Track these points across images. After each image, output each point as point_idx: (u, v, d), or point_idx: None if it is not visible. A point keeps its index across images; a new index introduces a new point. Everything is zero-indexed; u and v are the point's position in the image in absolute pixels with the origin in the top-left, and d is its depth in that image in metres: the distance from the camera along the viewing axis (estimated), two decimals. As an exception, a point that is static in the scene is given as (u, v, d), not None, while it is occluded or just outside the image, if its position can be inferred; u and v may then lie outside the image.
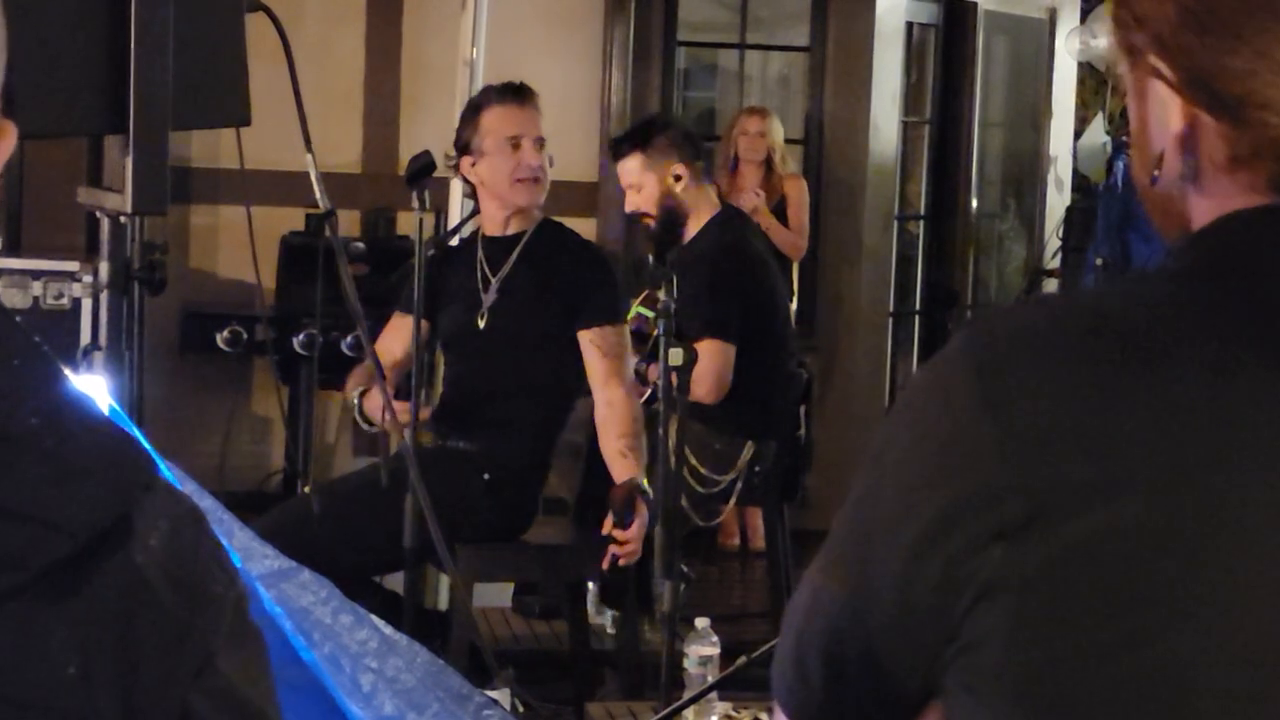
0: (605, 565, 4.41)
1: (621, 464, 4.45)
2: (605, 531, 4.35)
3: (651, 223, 5.25)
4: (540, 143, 4.59)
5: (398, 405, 4.19)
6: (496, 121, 4.58)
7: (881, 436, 1.20)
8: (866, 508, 1.19)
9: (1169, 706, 1.09)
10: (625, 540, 4.35)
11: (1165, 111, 1.17)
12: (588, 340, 4.54)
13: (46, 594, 0.99)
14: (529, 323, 4.58)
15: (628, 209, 5.37)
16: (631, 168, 5.27)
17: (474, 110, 4.66)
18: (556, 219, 4.79)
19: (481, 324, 4.59)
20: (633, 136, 5.38)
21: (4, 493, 0.98)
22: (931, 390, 1.17)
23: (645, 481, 4.39)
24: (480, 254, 4.66)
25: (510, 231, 4.64)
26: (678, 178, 5.23)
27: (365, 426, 4.61)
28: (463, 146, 4.62)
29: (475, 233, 4.80)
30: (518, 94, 4.64)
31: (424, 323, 4.47)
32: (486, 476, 4.50)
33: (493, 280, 4.61)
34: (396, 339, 4.63)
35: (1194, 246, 1.17)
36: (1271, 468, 1.09)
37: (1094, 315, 1.16)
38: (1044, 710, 1.11)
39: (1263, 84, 1.13)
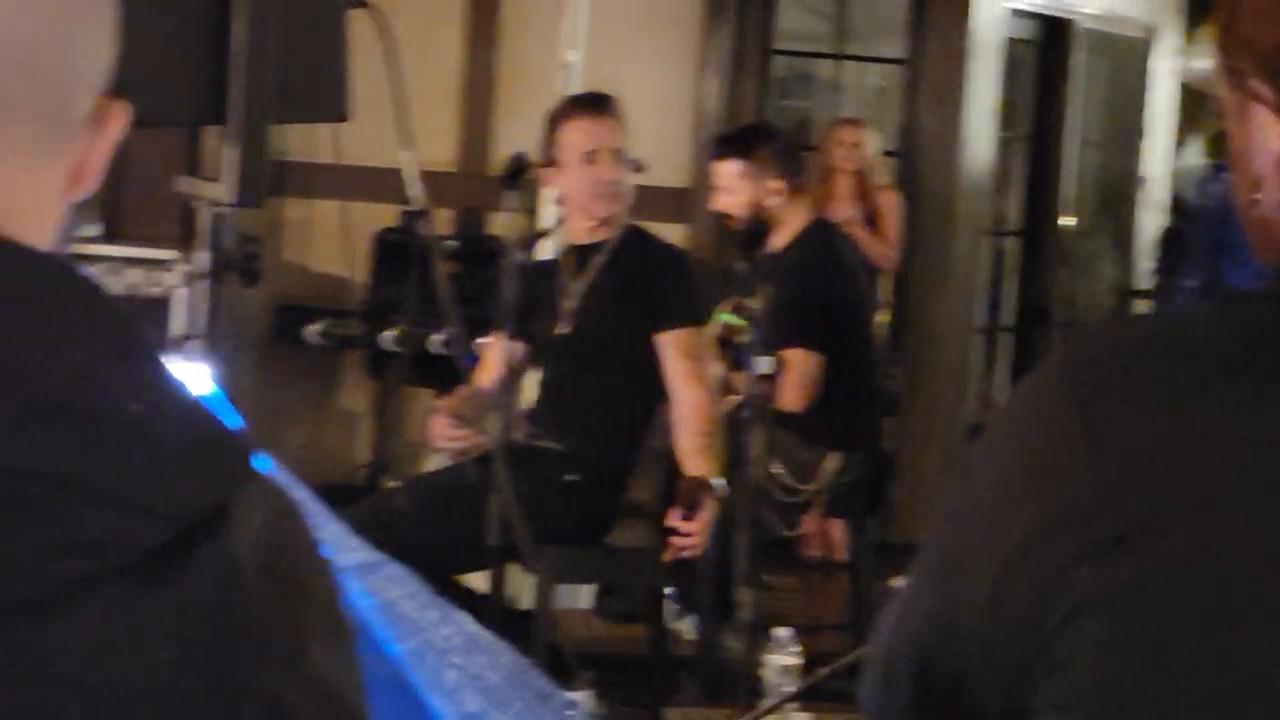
0: (668, 557, 4.41)
1: (693, 461, 4.46)
2: (669, 524, 4.35)
3: (735, 224, 5.26)
4: (619, 154, 4.59)
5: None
6: (573, 135, 4.59)
7: (975, 453, 1.20)
8: (958, 524, 1.19)
9: None
10: (689, 532, 4.35)
11: (1266, 135, 1.17)
12: (666, 342, 4.54)
13: (142, 580, 1.00)
14: (611, 328, 4.60)
15: (715, 206, 5.37)
16: (729, 171, 5.26)
17: (554, 122, 4.68)
18: (644, 224, 4.80)
19: (565, 330, 4.61)
20: (737, 142, 5.37)
21: (102, 478, 0.99)
22: (1025, 408, 1.17)
23: (720, 482, 4.39)
24: (565, 261, 4.67)
25: (594, 239, 4.66)
26: (775, 193, 5.22)
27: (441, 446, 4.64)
28: (545, 157, 4.64)
29: (560, 241, 4.84)
30: (595, 106, 4.65)
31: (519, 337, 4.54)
32: (571, 479, 4.51)
33: (574, 288, 4.63)
34: (498, 358, 4.65)
35: None
36: None
37: (1189, 336, 1.15)
38: None
39: None
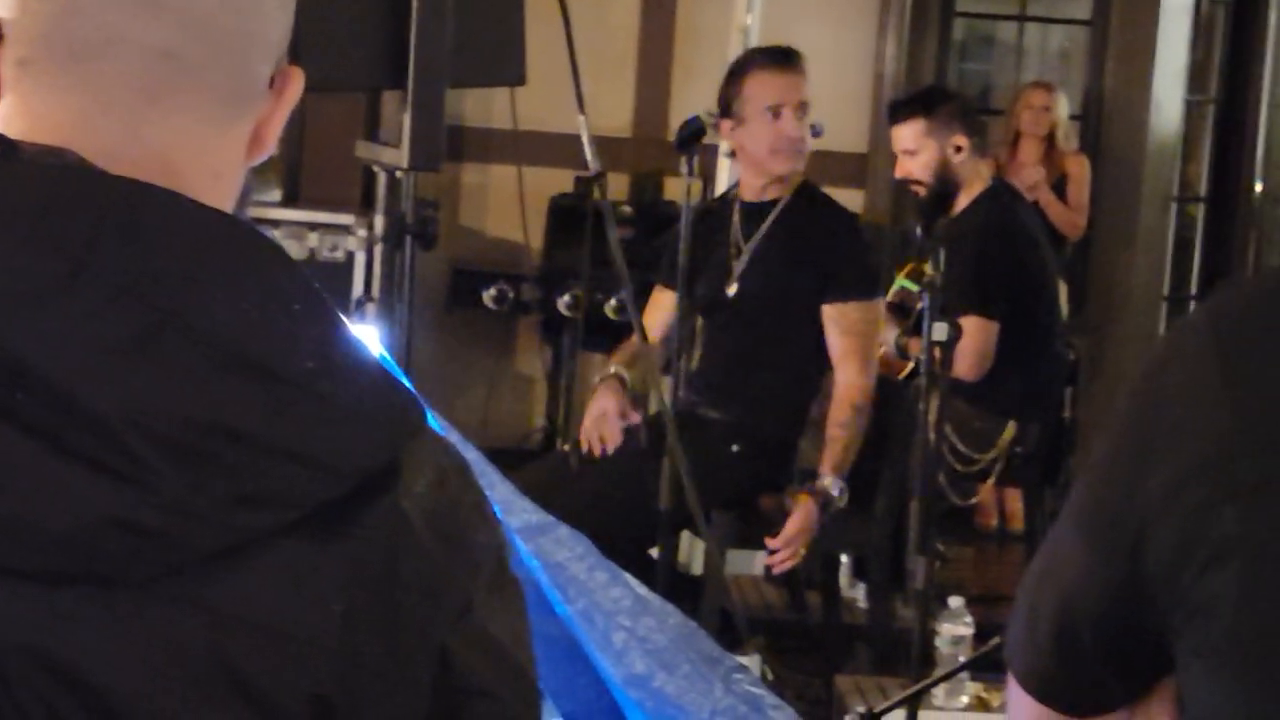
0: (768, 564, 4.39)
1: (826, 452, 4.40)
2: (768, 543, 4.36)
3: (922, 190, 5.17)
4: (804, 109, 4.50)
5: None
6: (758, 88, 4.48)
7: (1122, 402, 1.20)
8: (1103, 471, 1.20)
9: None
10: (777, 548, 4.33)
11: None
12: (830, 315, 4.46)
13: (316, 533, 1.02)
14: (778, 292, 4.52)
15: (898, 174, 5.29)
16: (912, 133, 5.18)
17: (737, 74, 4.57)
18: (819, 186, 4.71)
19: (732, 292, 4.54)
20: (917, 101, 5.30)
21: (279, 433, 1.01)
22: (1170, 356, 1.18)
23: (838, 483, 4.35)
24: (736, 219, 4.61)
25: (767, 198, 4.57)
26: (958, 149, 5.14)
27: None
28: (724, 109, 4.54)
29: (732, 196, 4.74)
30: (782, 58, 4.54)
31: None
32: (735, 448, 4.47)
33: (744, 248, 4.55)
34: (658, 313, 4.60)
35: None
36: None
37: None
38: (1273, 676, 1.09)
39: None
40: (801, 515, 4.33)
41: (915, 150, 5.17)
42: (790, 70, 4.51)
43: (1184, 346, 1.17)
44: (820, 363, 4.54)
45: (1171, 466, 1.13)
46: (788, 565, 4.41)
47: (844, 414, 4.41)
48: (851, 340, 4.45)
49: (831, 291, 4.46)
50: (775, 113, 4.45)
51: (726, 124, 4.52)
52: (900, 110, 5.29)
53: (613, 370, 4.54)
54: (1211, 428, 1.11)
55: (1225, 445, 1.11)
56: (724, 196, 4.87)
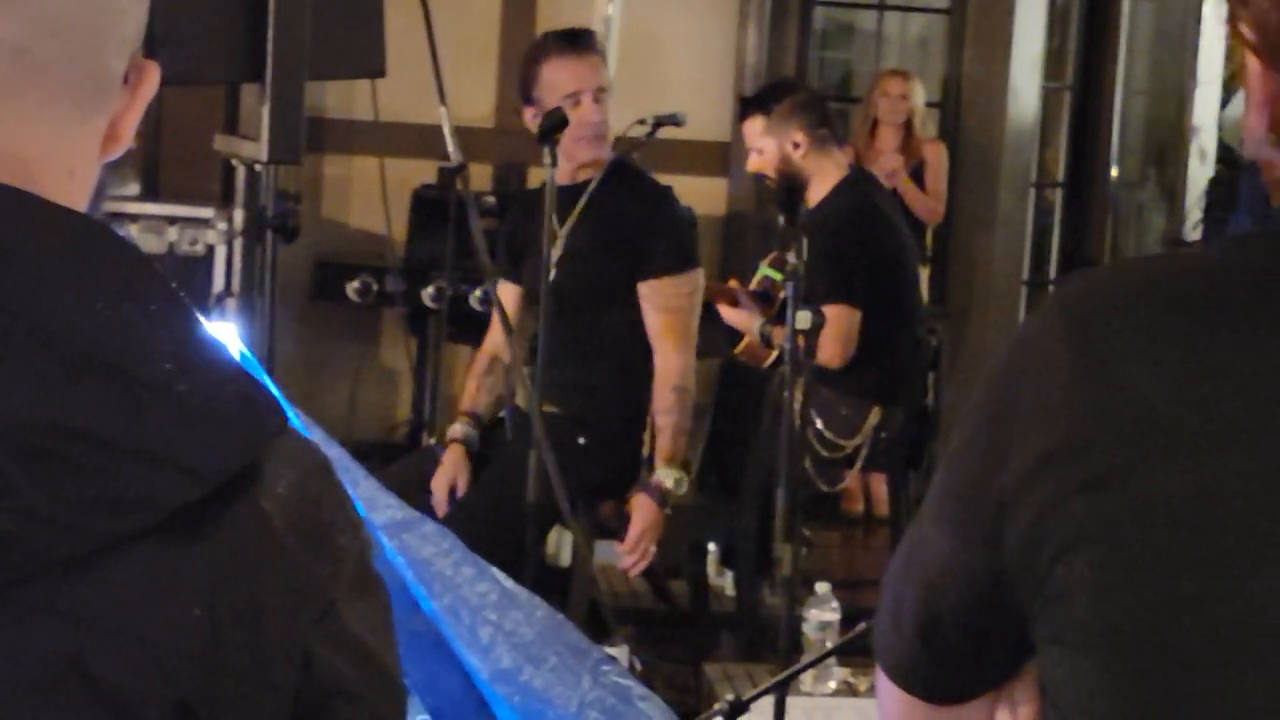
0: (621, 567, 4.39)
1: (656, 443, 4.34)
2: (617, 548, 4.33)
3: (770, 183, 5.25)
4: (602, 93, 4.38)
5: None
6: (555, 75, 4.36)
7: (977, 392, 1.21)
8: (960, 462, 1.21)
9: (1259, 657, 1.09)
10: (626, 552, 4.31)
11: (1252, 77, 1.19)
12: (644, 293, 4.37)
13: (176, 537, 1.01)
14: (595, 276, 4.41)
15: (749, 168, 5.36)
16: (753, 131, 5.26)
17: (533, 61, 4.44)
18: (634, 164, 4.60)
19: (550, 279, 4.34)
20: (756, 100, 5.36)
21: (137, 435, 1.00)
22: (1023, 346, 1.19)
23: (673, 474, 4.30)
24: (550, 205, 4.54)
25: (579, 180, 4.45)
26: (796, 145, 5.21)
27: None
28: (525, 97, 4.43)
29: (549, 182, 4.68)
30: (577, 43, 4.42)
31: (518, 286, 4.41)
32: (582, 440, 4.40)
33: (560, 233, 4.42)
34: (505, 307, 4.44)
35: None
36: None
37: (1184, 273, 1.18)
38: (1131, 662, 1.11)
39: None
40: (641, 516, 4.29)
41: (759, 148, 5.24)
42: (586, 55, 4.40)
43: (1034, 337, 1.18)
44: (649, 345, 4.43)
45: (1025, 456, 1.14)
46: (640, 567, 4.39)
47: (666, 400, 4.34)
48: (666, 317, 4.37)
49: (644, 269, 4.37)
50: (574, 100, 4.34)
51: (529, 111, 4.41)
52: (744, 108, 5.37)
53: (459, 433, 4.47)
54: (1062, 418, 1.13)
55: (1076, 435, 1.12)
56: (543, 182, 4.84)
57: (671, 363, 4.36)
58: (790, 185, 5.20)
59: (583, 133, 4.35)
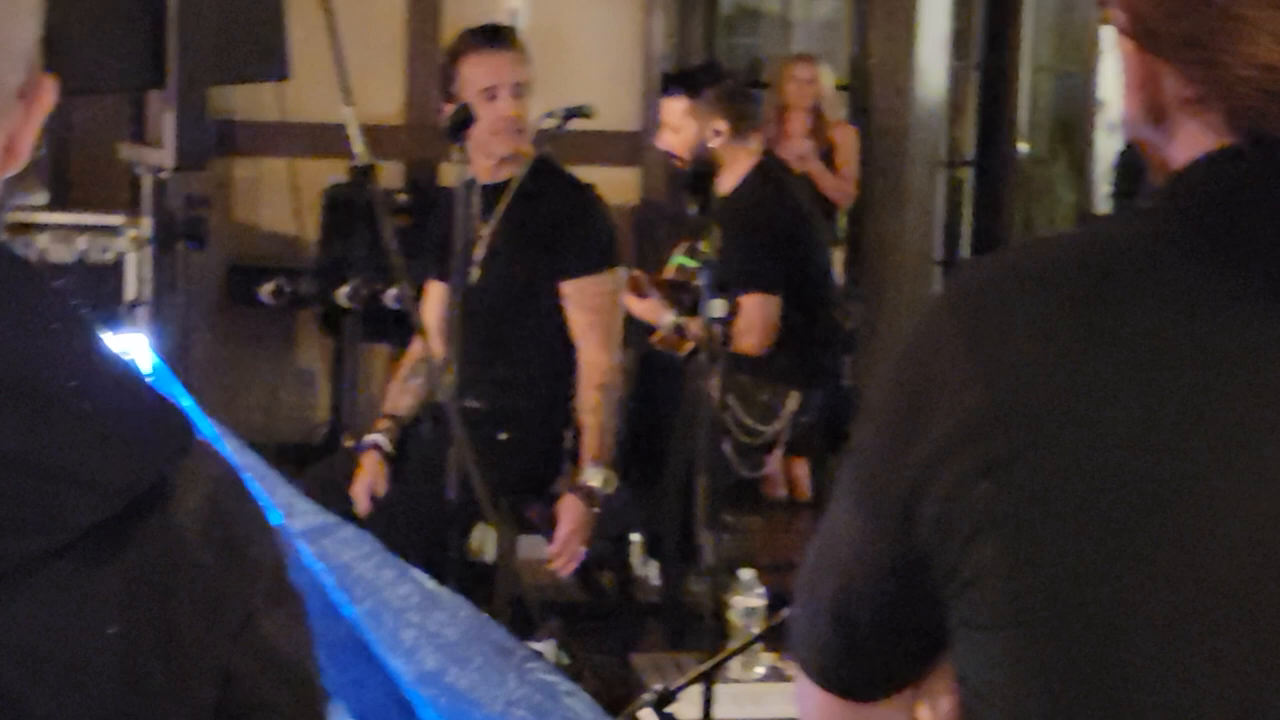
0: (552, 568, 4.39)
1: (582, 442, 4.34)
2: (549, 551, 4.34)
3: (680, 164, 5.24)
4: (520, 89, 4.39)
5: None
6: (472, 70, 4.37)
7: (881, 381, 1.23)
8: (868, 450, 1.22)
9: (1169, 627, 1.10)
10: (555, 554, 4.32)
11: (1126, 58, 1.21)
12: (567, 292, 4.38)
13: (88, 555, 1.00)
14: (518, 274, 4.42)
15: (659, 144, 5.36)
16: (676, 109, 5.24)
17: (452, 57, 4.45)
18: (557, 162, 4.59)
19: (474, 278, 4.40)
20: (685, 81, 5.34)
21: (45, 454, 0.99)
22: (918, 336, 1.20)
23: (600, 473, 4.30)
24: (474, 203, 4.55)
25: (500, 178, 4.46)
26: (717, 133, 5.21)
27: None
28: (444, 93, 4.44)
29: (471, 180, 4.68)
30: (492, 38, 4.45)
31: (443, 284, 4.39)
32: (503, 436, 4.40)
33: (483, 231, 4.43)
34: (432, 307, 4.51)
35: (1165, 190, 1.20)
36: (1246, 392, 1.12)
37: (1069, 253, 1.20)
38: (1045, 642, 1.13)
39: (1201, 25, 1.14)
40: (570, 517, 4.30)
41: (677, 127, 5.23)
42: (503, 50, 4.42)
43: (929, 326, 1.19)
44: (571, 341, 4.44)
45: (929, 444, 1.15)
46: (570, 568, 4.39)
47: (590, 399, 4.35)
48: (590, 316, 4.38)
49: (565, 268, 4.38)
50: (491, 94, 4.35)
51: (449, 107, 4.38)
52: (668, 85, 5.35)
53: (375, 437, 4.46)
54: (963, 404, 1.14)
55: (977, 421, 1.13)
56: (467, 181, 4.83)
57: (595, 361, 4.37)
58: (701, 170, 5.21)
59: (499, 127, 4.36)
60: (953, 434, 1.14)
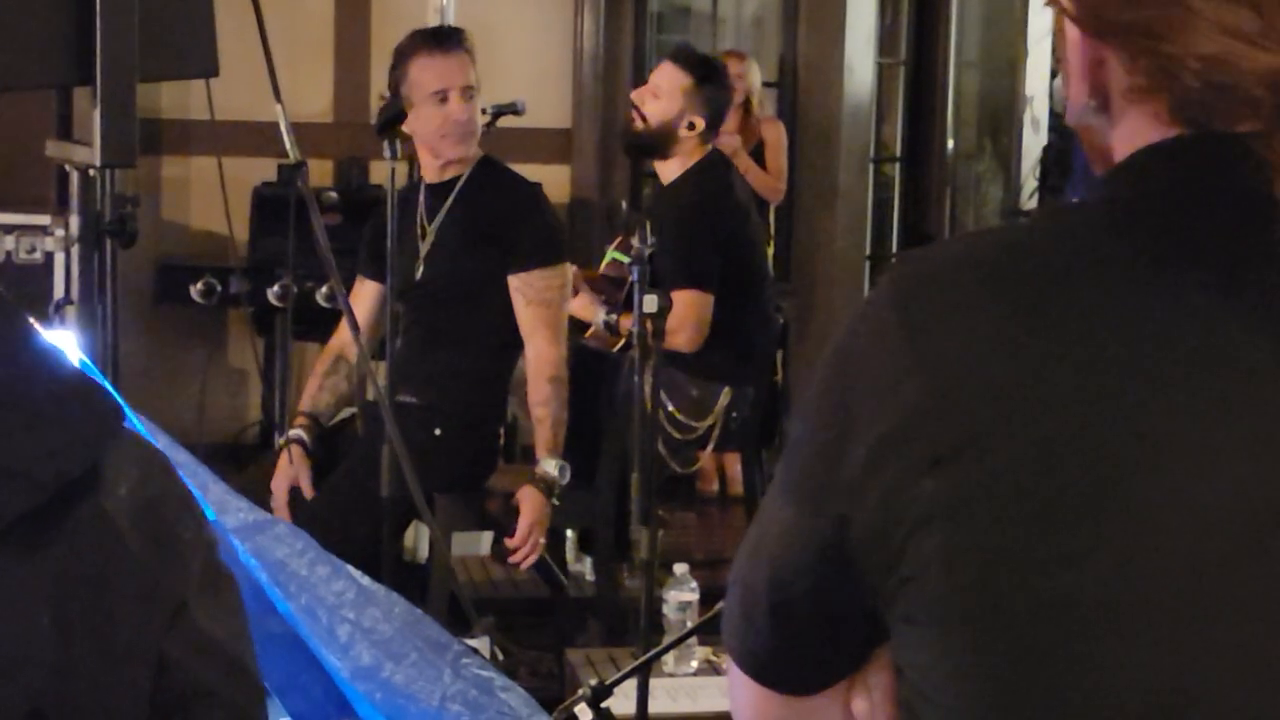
0: (512, 560, 4.40)
1: (536, 435, 4.36)
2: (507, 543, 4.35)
3: (639, 125, 5.21)
4: (469, 91, 4.43)
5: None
6: (422, 73, 4.42)
7: (818, 376, 1.22)
8: (803, 449, 1.21)
9: (1112, 619, 1.10)
10: (514, 547, 4.33)
11: (1071, 45, 1.21)
12: (514, 286, 4.41)
13: (18, 545, 1.00)
14: (463, 271, 4.46)
15: (632, 95, 5.33)
16: (673, 82, 5.22)
17: (401, 59, 4.49)
18: (502, 160, 4.64)
19: (419, 274, 4.46)
20: (697, 65, 5.31)
21: (-29, 445, 0.98)
22: (857, 329, 1.19)
23: (555, 463, 4.33)
24: (421, 202, 4.55)
25: (447, 177, 4.51)
26: (691, 126, 5.21)
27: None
28: (393, 95, 4.46)
29: (418, 179, 4.67)
30: (443, 41, 4.48)
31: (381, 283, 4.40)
32: (438, 431, 4.42)
33: (429, 229, 4.49)
34: (361, 304, 4.51)
35: (1107, 180, 1.20)
36: (1189, 383, 1.12)
37: (1009, 246, 1.19)
38: (987, 635, 1.12)
39: (1148, 13, 1.15)
40: (530, 508, 4.32)
41: (665, 96, 5.21)
42: (452, 53, 4.44)
43: (865, 322, 1.19)
44: (512, 338, 4.48)
45: (869, 438, 1.14)
46: (531, 560, 4.40)
47: (541, 392, 4.38)
48: (538, 310, 4.41)
49: (512, 262, 4.41)
50: (441, 98, 4.39)
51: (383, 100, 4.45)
52: (681, 57, 5.33)
53: (297, 433, 4.46)
54: (903, 398, 1.13)
55: (917, 415, 1.13)
56: (412, 180, 4.84)
57: (545, 354, 4.40)
58: (653, 144, 5.21)
59: (449, 130, 4.41)
60: (893, 428, 1.13)
